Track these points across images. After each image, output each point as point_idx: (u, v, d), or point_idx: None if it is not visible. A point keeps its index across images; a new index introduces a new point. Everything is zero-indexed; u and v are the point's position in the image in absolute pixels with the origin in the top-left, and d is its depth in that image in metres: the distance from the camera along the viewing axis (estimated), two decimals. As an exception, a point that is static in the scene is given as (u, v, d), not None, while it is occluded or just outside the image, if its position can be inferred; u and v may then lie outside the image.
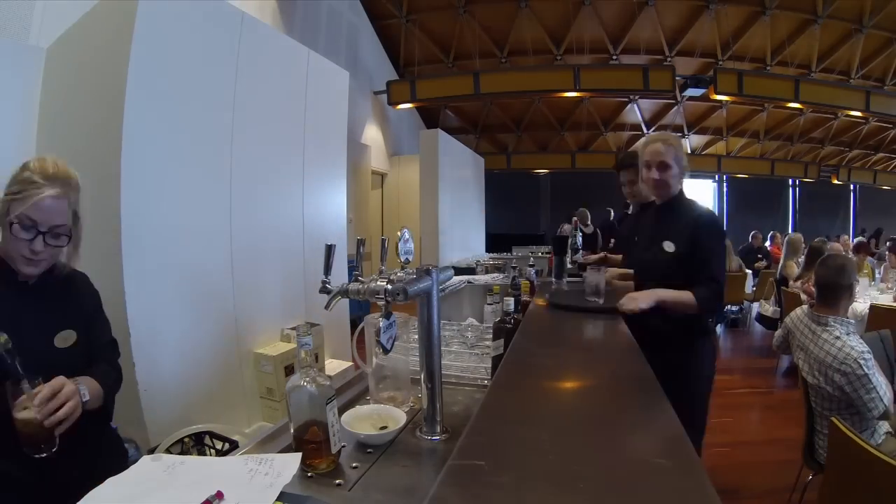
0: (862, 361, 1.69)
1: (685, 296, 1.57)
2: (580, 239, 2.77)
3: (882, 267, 4.87)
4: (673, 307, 1.58)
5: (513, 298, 1.60)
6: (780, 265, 5.02)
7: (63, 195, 1.06)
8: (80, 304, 1.19)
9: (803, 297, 3.88)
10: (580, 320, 1.65)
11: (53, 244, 1.05)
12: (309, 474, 0.86)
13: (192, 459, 0.82)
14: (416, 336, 1.06)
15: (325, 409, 0.86)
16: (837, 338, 1.80)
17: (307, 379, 0.87)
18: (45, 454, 0.93)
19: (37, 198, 1.01)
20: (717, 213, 12.50)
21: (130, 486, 0.75)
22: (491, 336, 1.64)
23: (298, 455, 0.81)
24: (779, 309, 4.40)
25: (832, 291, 1.91)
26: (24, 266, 1.05)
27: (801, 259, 4.53)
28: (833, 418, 1.39)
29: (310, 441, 0.86)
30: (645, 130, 11.01)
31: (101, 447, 1.19)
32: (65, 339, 1.11)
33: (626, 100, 10.05)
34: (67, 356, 1.10)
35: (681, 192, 1.76)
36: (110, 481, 0.75)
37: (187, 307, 2.39)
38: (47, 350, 1.07)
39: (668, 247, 1.67)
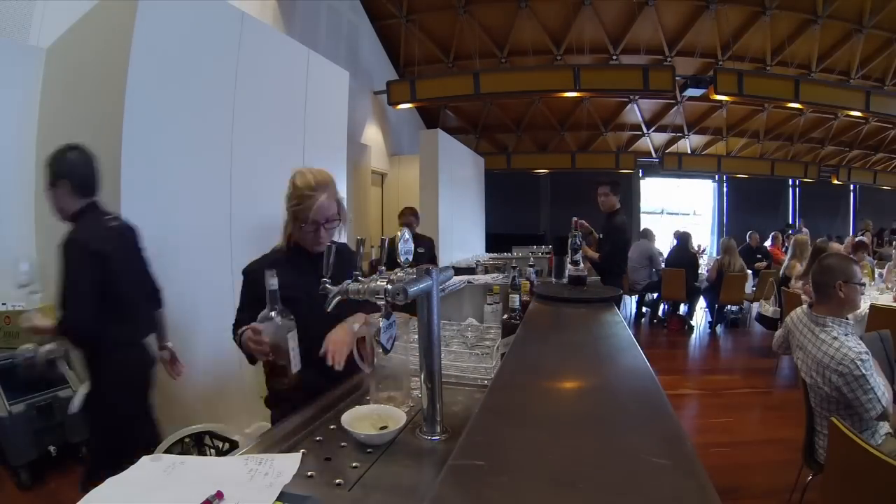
0: (859, 362, 1.68)
1: None
2: (580, 239, 2.77)
3: (886, 267, 4.87)
4: None
5: (517, 295, 1.61)
6: (783, 265, 5.03)
7: (331, 197, 1.46)
8: (344, 269, 1.43)
9: (804, 297, 3.88)
10: (578, 318, 1.65)
11: (330, 228, 1.48)
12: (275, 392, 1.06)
13: (193, 459, 0.82)
14: (416, 336, 1.06)
15: (286, 338, 1.14)
16: (835, 338, 1.80)
17: (273, 312, 1.13)
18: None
19: (315, 204, 1.43)
20: (717, 212, 12.54)
21: (130, 486, 0.75)
22: (491, 336, 1.64)
23: (298, 455, 0.81)
24: (779, 309, 4.41)
25: (822, 290, 1.92)
26: (314, 247, 1.49)
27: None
28: (833, 418, 1.39)
29: (275, 362, 1.15)
30: (645, 130, 11.01)
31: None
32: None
33: (626, 100, 10.04)
34: (342, 308, 1.34)
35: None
36: (110, 481, 0.75)
37: (187, 307, 2.39)
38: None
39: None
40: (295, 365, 1.14)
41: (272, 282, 1.10)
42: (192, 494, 0.70)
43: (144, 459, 0.82)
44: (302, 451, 0.88)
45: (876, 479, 1.19)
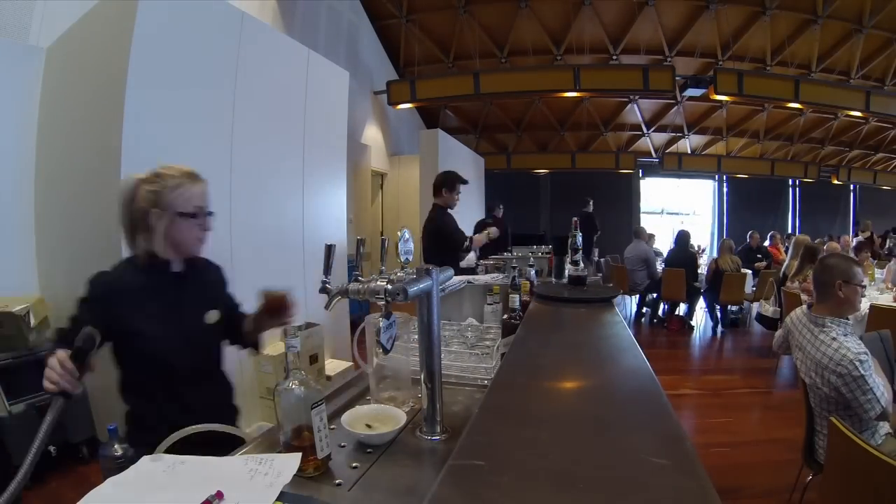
0: (858, 363, 1.68)
1: None
2: (580, 239, 2.77)
3: (886, 267, 4.87)
4: None
5: (517, 295, 1.61)
6: (783, 265, 5.02)
7: (206, 182, 1.29)
8: (220, 290, 1.43)
9: (804, 297, 3.88)
10: (579, 318, 1.65)
11: (207, 228, 1.29)
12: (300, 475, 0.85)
13: (193, 459, 0.82)
14: (416, 336, 1.06)
15: (310, 414, 0.85)
16: (834, 339, 1.79)
17: (294, 382, 0.86)
18: None
19: (199, 192, 1.26)
20: (717, 212, 12.54)
21: (131, 485, 0.75)
22: (491, 336, 1.64)
23: (298, 455, 0.81)
24: (779, 309, 4.40)
25: (822, 290, 1.91)
26: (197, 247, 1.29)
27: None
28: (832, 418, 1.39)
29: (297, 445, 0.86)
30: (645, 130, 11.01)
31: None
32: (212, 317, 1.32)
33: (626, 100, 10.04)
34: (214, 332, 1.33)
35: None
36: (110, 481, 0.75)
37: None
38: (202, 327, 1.30)
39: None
40: (322, 449, 0.87)
41: (294, 342, 0.89)
42: (192, 494, 0.70)
43: (144, 459, 0.82)
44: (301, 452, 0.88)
45: (876, 479, 1.19)
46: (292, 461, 0.79)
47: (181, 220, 1.22)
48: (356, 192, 6.24)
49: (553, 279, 2.50)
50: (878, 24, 7.85)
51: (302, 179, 3.20)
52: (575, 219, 2.84)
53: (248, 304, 2.81)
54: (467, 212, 7.37)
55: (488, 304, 1.87)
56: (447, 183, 3.43)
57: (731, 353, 5.36)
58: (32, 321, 2.50)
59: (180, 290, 1.27)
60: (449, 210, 3.48)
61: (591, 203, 8.43)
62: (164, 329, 1.19)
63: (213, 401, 1.31)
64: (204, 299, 1.33)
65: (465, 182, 3.54)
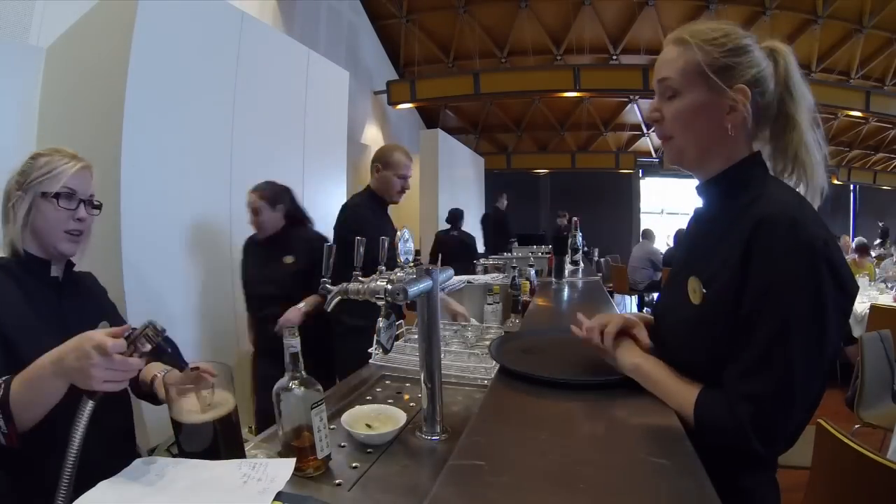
0: None
1: None
2: (580, 239, 2.77)
3: (882, 265, 4.87)
4: None
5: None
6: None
7: (89, 168, 1.07)
8: (102, 301, 1.21)
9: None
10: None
11: (89, 216, 1.06)
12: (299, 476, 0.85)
13: (186, 462, 0.82)
14: (416, 336, 1.06)
15: (310, 414, 0.84)
16: None
17: (294, 382, 0.85)
18: None
19: (72, 170, 1.03)
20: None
21: (122, 489, 0.74)
22: (491, 336, 1.64)
23: (292, 461, 0.80)
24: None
25: None
26: (65, 243, 1.03)
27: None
28: (820, 420, 1.37)
29: (297, 446, 0.85)
30: (645, 130, 11.01)
31: None
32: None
33: (626, 100, 10.05)
34: None
35: None
36: (102, 484, 0.75)
37: (187, 307, 2.39)
38: None
39: None
40: (322, 449, 0.87)
41: (293, 342, 0.86)
42: (183, 501, 0.70)
43: (137, 462, 0.81)
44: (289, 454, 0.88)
45: (870, 482, 1.18)
46: (286, 467, 0.78)
47: (44, 203, 0.99)
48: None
49: (553, 279, 2.50)
50: (878, 24, 7.85)
51: (302, 179, 3.20)
52: (575, 219, 2.84)
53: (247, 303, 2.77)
54: (467, 212, 7.36)
55: (488, 304, 1.87)
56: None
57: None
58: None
59: (61, 299, 1.05)
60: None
61: (503, 198, 7.41)
62: (44, 344, 0.83)
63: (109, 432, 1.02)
64: (90, 312, 1.07)
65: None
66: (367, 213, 2.14)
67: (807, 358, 0.64)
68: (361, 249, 1.06)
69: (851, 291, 0.67)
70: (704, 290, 0.74)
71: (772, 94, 0.78)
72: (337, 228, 2.18)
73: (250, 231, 2.73)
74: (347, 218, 2.16)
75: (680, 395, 0.74)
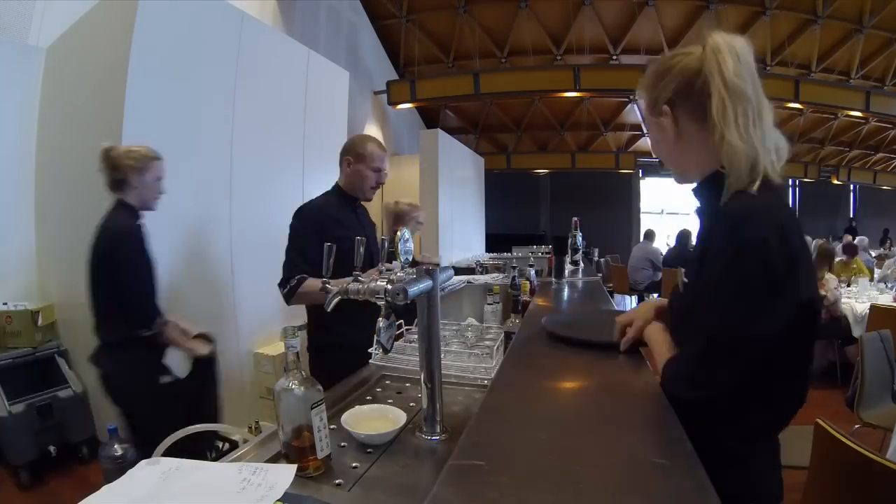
0: None
1: None
2: (580, 239, 2.77)
3: (884, 264, 4.87)
4: None
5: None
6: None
7: None
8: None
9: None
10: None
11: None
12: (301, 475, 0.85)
13: (187, 464, 0.82)
14: (416, 336, 1.06)
15: (310, 414, 0.84)
16: None
17: (294, 382, 0.85)
18: None
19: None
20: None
21: (125, 492, 0.74)
22: (491, 336, 1.64)
23: (293, 467, 0.80)
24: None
25: None
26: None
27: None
28: (818, 419, 1.37)
29: (297, 446, 0.85)
30: (645, 130, 11.01)
31: None
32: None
33: (626, 100, 10.04)
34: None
35: None
36: (107, 488, 0.75)
37: (187, 307, 2.39)
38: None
39: None
40: (322, 449, 0.87)
41: (293, 342, 0.87)
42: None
43: (142, 463, 0.81)
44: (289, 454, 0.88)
45: (869, 481, 1.18)
46: (286, 474, 0.78)
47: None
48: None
49: (553, 279, 2.50)
50: (878, 24, 7.85)
51: (302, 179, 3.20)
52: (574, 219, 2.84)
53: (247, 303, 2.81)
54: (467, 211, 7.37)
55: (488, 304, 1.87)
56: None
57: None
58: (41, 321, 2.52)
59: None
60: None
61: None
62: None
63: None
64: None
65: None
66: (324, 215, 1.89)
67: (723, 335, 0.73)
68: (361, 249, 1.06)
69: (785, 281, 0.71)
70: (685, 280, 0.86)
71: (699, 94, 0.79)
72: (291, 230, 1.87)
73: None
74: (296, 220, 1.88)
75: (660, 362, 0.87)
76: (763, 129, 0.77)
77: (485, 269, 3.64)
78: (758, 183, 0.75)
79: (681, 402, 0.74)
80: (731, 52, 0.77)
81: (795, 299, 0.71)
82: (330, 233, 1.61)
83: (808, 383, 0.81)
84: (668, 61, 0.86)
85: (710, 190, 0.82)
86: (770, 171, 0.76)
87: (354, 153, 1.95)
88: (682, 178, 0.90)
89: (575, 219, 2.88)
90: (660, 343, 0.91)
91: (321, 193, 2.00)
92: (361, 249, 1.05)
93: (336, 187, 2.01)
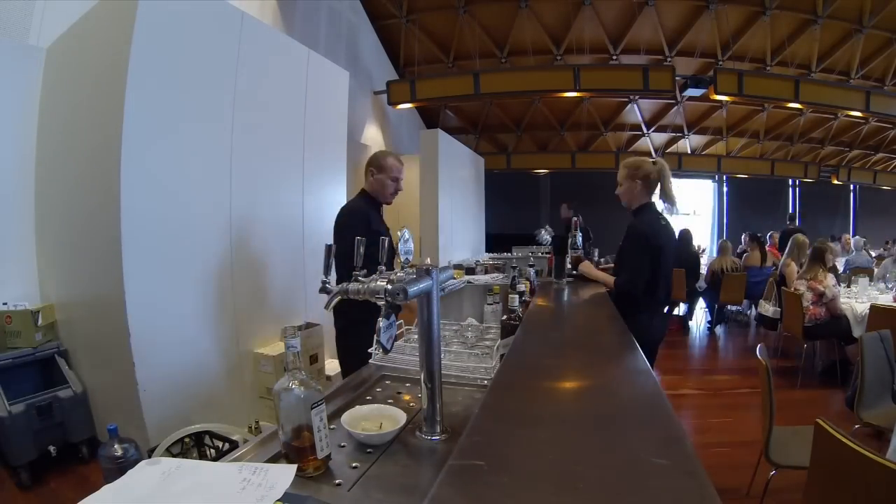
0: None
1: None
2: (580, 238, 2.77)
3: (882, 264, 4.87)
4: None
5: (517, 295, 1.61)
6: (780, 264, 5.01)
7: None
8: None
9: (808, 294, 3.87)
10: (578, 318, 1.65)
11: None
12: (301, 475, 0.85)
13: (188, 463, 0.81)
14: (416, 336, 1.06)
15: (310, 414, 0.85)
16: None
17: (294, 382, 0.85)
18: None
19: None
20: (717, 212, 12.55)
21: (125, 492, 0.74)
22: (491, 336, 1.64)
23: (293, 467, 0.80)
24: (779, 309, 4.39)
25: None
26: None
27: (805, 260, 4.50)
28: (818, 419, 1.37)
29: (297, 446, 0.85)
30: (645, 130, 11.01)
31: None
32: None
33: (626, 100, 10.05)
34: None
35: None
36: (106, 488, 0.75)
37: (187, 307, 2.39)
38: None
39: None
40: (322, 449, 0.88)
41: (293, 342, 0.89)
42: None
43: (143, 464, 0.81)
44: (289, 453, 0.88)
45: (869, 481, 1.17)
46: (286, 474, 0.78)
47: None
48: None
49: (553, 279, 2.50)
50: (878, 24, 7.85)
51: (302, 179, 3.20)
52: (574, 219, 2.84)
53: (247, 304, 2.79)
54: (468, 211, 7.36)
55: (488, 304, 1.87)
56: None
57: (732, 353, 5.35)
58: (41, 321, 2.51)
59: None
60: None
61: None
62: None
63: None
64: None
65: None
66: (368, 213, 2.27)
67: (634, 268, 2.07)
68: (362, 249, 1.06)
69: (655, 246, 2.06)
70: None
71: (654, 180, 2.16)
72: (337, 229, 2.25)
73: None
74: (348, 219, 2.26)
75: (608, 281, 2.29)
76: (673, 196, 2.18)
77: (484, 269, 3.63)
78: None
79: (625, 291, 2.09)
80: (667, 170, 2.15)
81: (655, 255, 2.04)
82: (376, 226, 2.19)
83: (670, 284, 2.20)
84: (641, 164, 2.17)
85: (639, 213, 2.17)
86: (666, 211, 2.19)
87: (377, 165, 2.34)
88: (628, 206, 2.22)
89: (575, 219, 2.88)
90: (597, 274, 2.44)
91: (352, 198, 2.46)
92: (362, 249, 1.05)
93: (363, 192, 2.40)
